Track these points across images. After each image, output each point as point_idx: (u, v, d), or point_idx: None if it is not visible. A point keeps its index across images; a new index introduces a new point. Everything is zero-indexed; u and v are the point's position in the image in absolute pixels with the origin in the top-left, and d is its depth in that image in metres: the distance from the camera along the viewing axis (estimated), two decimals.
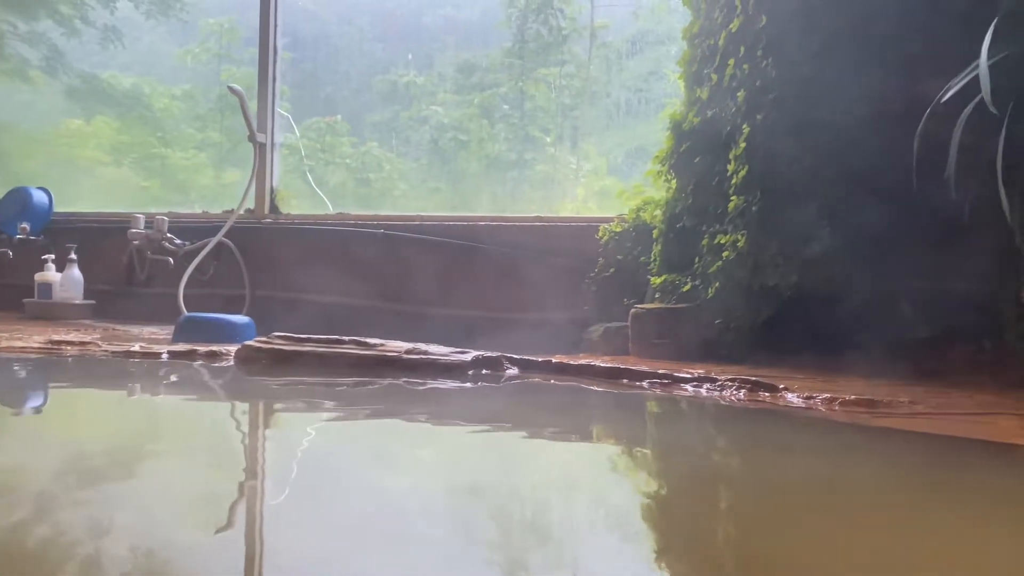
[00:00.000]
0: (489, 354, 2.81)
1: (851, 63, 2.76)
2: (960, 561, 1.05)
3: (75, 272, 4.81)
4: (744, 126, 3.09)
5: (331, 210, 5.22)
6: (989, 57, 2.27)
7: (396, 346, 2.86)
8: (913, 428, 1.92)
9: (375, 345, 2.85)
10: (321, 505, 1.25)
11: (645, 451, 1.85)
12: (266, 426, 2.08)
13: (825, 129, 2.82)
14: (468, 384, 2.60)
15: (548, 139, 7.10)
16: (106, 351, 3.15)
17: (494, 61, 7.63)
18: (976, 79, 2.29)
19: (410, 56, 7.90)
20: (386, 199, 7.48)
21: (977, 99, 2.32)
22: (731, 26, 3.29)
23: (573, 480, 1.54)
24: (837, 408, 2.10)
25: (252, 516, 1.19)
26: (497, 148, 7.23)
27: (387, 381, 2.60)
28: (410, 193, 7.53)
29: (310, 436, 1.91)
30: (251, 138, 4.86)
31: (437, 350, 2.84)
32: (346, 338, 2.89)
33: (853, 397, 2.15)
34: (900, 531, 1.17)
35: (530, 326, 4.37)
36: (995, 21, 2.32)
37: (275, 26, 5.11)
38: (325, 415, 2.18)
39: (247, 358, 2.87)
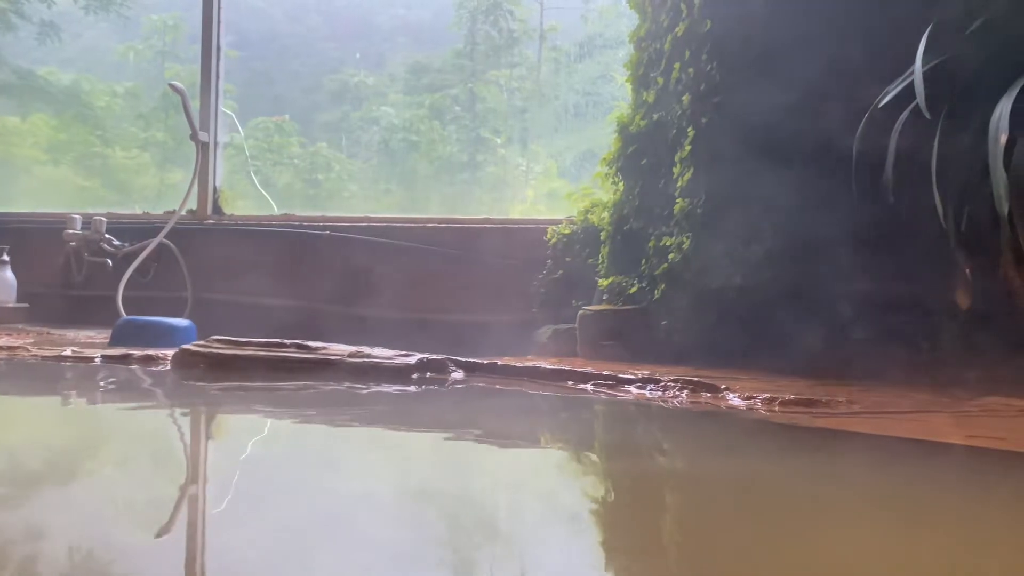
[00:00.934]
0: (434, 357, 2.78)
1: (792, 67, 2.80)
2: (884, 556, 1.05)
3: (8, 274, 4.65)
4: (689, 129, 3.12)
5: (276, 211, 5.13)
6: (924, 63, 2.32)
7: (339, 349, 2.81)
8: (850, 428, 1.94)
9: (317, 348, 2.80)
10: (262, 512, 1.21)
11: (585, 453, 1.84)
12: (202, 433, 2.01)
13: (767, 132, 2.85)
14: (412, 388, 2.56)
15: (499, 141, 7.09)
16: (36, 356, 3.03)
17: (445, 62, 7.61)
18: (912, 85, 2.33)
19: (358, 55, 7.83)
20: (335, 200, 7.39)
21: (913, 105, 2.37)
22: (677, 30, 3.31)
23: (514, 482, 1.52)
24: (777, 408, 2.12)
25: (192, 524, 1.15)
26: (448, 150, 7.20)
27: (330, 386, 2.55)
28: (360, 194, 7.45)
29: (248, 443, 1.85)
30: (193, 137, 4.75)
31: (381, 353, 2.80)
32: (287, 341, 2.83)
33: (792, 397, 2.17)
34: (825, 530, 1.18)
35: (479, 328, 4.35)
36: (929, 28, 2.37)
37: (218, 23, 5.01)
38: (264, 420, 2.12)
39: (184, 362, 2.79)
